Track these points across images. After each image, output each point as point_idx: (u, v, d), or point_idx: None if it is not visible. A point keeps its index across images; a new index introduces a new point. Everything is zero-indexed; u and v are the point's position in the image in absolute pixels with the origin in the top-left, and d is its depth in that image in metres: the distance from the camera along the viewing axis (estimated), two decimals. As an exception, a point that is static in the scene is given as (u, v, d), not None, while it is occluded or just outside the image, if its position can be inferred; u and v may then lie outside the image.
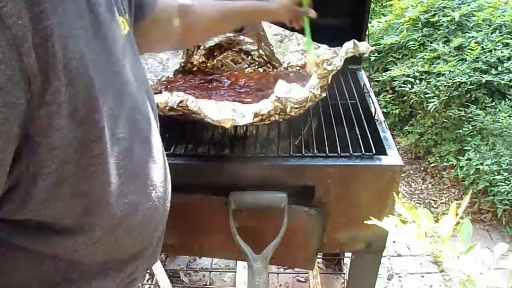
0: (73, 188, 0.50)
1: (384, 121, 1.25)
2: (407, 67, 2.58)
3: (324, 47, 1.41)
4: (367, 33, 1.45)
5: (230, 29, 1.32)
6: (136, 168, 0.58)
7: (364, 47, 1.18)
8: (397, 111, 2.69)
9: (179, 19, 0.94)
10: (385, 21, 2.92)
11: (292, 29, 1.49)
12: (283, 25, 1.33)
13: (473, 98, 2.39)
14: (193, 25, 0.97)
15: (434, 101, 2.37)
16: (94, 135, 0.49)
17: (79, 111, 0.47)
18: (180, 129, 1.25)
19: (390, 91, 2.77)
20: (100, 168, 0.51)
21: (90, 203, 0.52)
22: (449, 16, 2.56)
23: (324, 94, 1.19)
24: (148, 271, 1.89)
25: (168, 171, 0.69)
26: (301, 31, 1.49)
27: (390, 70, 2.67)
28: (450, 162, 2.37)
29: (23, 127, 0.42)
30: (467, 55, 2.38)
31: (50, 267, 0.55)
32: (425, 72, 2.52)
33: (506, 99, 2.33)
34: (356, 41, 1.17)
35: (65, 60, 0.44)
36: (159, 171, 0.64)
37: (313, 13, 1.24)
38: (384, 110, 2.71)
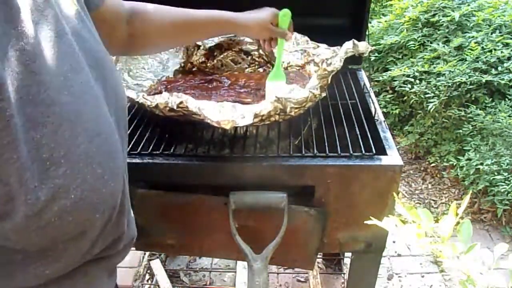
0: None
1: (384, 121, 1.25)
2: (407, 67, 2.58)
3: (323, 46, 1.41)
4: (367, 33, 1.45)
5: (197, 40, 1.24)
6: (65, 151, 0.53)
7: (364, 47, 1.18)
8: (397, 111, 2.69)
9: (129, 21, 0.88)
10: (385, 21, 2.92)
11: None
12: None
13: (473, 98, 2.39)
14: (144, 30, 0.91)
15: (434, 101, 2.37)
16: (0, 124, 0.46)
17: None
18: (180, 129, 1.25)
19: (390, 91, 2.77)
20: (14, 155, 0.48)
21: (10, 190, 0.49)
22: (449, 16, 2.56)
23: (324, 94, 1.19)
24: (149, 271, 1.90)
25: (116, 149, 0.62)
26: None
27: (390, 70, 2.67)
28: (450, 162, 2.37)
29: None
30: (467, 55, 2.38)
31: None
32: (425, 72, 2.52)
33: (506, 99, 2.33)
34: (356, 41, 1.17)
35: None
36: (97, 151, 0.57)
37: (290, 37, 1.18)
38: (384, 110, 2.71)
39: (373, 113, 1.28)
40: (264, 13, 1.10)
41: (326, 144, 1.14)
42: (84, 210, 0.56)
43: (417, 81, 2.51)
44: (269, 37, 1.16)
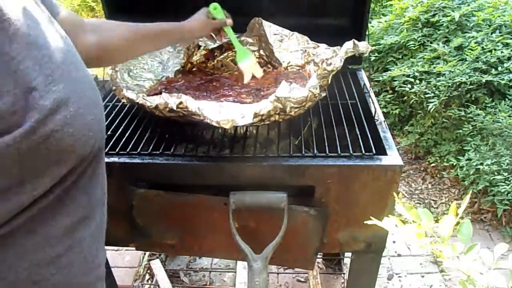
0: None
1: (384, 121, 1.25)
2: (407, 67, 2.58)
3: (323, 46, 1.41)
4: (367, 33, 1.45)
5: (153, 50, 1.35)
6: (62, 72, 0.61)
7: (364, 47, 1.18)
8: (397, 111, 2.69)
9: (89, 35, 0.92)
10: (385, 21, 2.92)
11: (291, 29, 1.49)
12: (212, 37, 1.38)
13: (473, 98, 2.39)
14: (105, 43, 0.96)
15: (434, 101, 2.37)
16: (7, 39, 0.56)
17: None
18: (180, 129, 1.26)
19: (390, 91, 2.77)
20: (21, 66, 0.56)
21: (19, 99, 0.56)
22: (449, 16, 2.56)
23: (324, 94, 1.19)
24: (149, 271, 1.89)
25: (98, 98, 0.70)
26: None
27: (390, 70, 2.67)
28: (450, 162, 2.37)
29: None
30: (467, 55, 2.38)
31: None
32: (425, 72, 2.52)
33: (506, 99, 2.33)
34: (356, 41, 1.17)
35: None
36: (86, 84, 0.66)
37: (229, 22, 1.29)
38: (384, 110, 2.71)
39: (373, 113, 1.28)
40: (199, 14, 1.24)
41: (326, 144, 1.14)
42: (81, 125, 0.63)
43: (417, 81, 2.51)
44: (214, 30, 1.28)
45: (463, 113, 2.36)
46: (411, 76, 2.54)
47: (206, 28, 1.25)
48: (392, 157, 1.10)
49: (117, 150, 1.16)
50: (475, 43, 2.38)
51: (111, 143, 1.19)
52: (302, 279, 1.92)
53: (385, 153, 1.11)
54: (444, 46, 2.51)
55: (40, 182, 0.61)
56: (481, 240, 2.12)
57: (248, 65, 1.37)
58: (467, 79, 2.31)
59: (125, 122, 1.31)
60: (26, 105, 0.56)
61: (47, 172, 0.61)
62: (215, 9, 1.26)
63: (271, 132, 1.28)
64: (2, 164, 0.56)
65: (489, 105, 2.33)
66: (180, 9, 1.40)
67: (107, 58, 1.03)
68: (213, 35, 1.33)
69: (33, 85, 0.57)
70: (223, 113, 1.00)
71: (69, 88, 0.61)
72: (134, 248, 1.29)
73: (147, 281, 1.86)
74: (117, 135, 1.23)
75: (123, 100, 1.24)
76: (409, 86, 2.51)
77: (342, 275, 1.89)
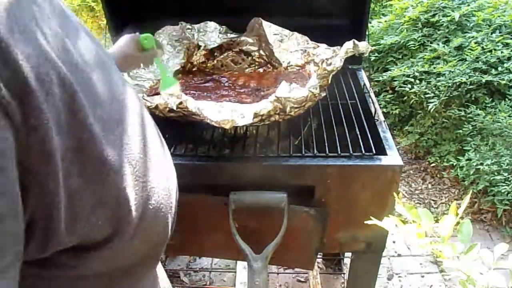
0: (89, 201, 0.49)
1: (384, 121, 1.25)
2: (407, 67, 2.58)
3: (323, 46, 1.41)
4: (367, 33, 1.45)
5: None
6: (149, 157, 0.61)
7: (364, 47, 1.18)
8: (397, 111, 2.69)
9: None
10: (385, 21, 2.92)
11: (291, 29, 1.49)
12: None
13: (473, 98, 2.39)
14: None
15: (434, 101, 2.37)
16: (86, 135, 0.47)
17: (62, 117, 0.44)
18: (180, 129, 1.25)
19: (390, 91, 2.76)
20: (109, 167, 0.51)
21: (113, 211, 0.53)
22: (449, 16, 2.56)
23: (323, 94, 1.19)
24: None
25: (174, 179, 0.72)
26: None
27: (390, 70, 2.67)
28: (450, 162, 2.37)
29: (21, 166, 0.40)
30: (467, 55, 2.38)
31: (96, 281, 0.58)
32: (425, 72, 2.52)
33: (506, 99, 2.33)
34: (356, 41, 1.17)
35: (34, 70, 0.41)
36: (163, 169, 0.67)
37: (160, 53, 1.21)
38: (384, 110, 2.71)
39: (373, 113, 1.28)
40: (126, 46, 1.11)
41: (326, 144, 1.14)
42: (165, 208, 0.64)
43: (417, 81, 2.51)
44: (144, 63, 1.19)
45: (463, 113, 2.35)
46: (411, 76, 2.54)
47: (135, 65, 1.18)
48: (392, 157, 1.10)
49: (117, 150, 1.16)
50: (475, 43, 2.38)
51: (111, 143, 1.19)
52: (302, 279, 1.92)
53: (385, 153, 1.11)
54: (444, 46, 2.51)
55: None
56: (481, 240, 2.11)
57: (172, 91, 1.25)
58: (467, 79, 2.31)
59: (125, 122, 1.30)
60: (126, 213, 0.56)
61: None
62: (146, 39, 1.15)
63: (271, 132, 1.28)
64: None
65: (489, 105, 2.33)
66: (180, 9, 1.40)
67: None
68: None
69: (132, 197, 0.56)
70: (223, 113, 1.00)
71: (154, 178, 0.62)
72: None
73: (147, 281, 1.86)
74: (117, 135, 1.23)
75: (123, 100, 1.24)
76: (409, 86, 2.51)
77: (342, 275, 1.88)
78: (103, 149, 0.50)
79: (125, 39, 1.13)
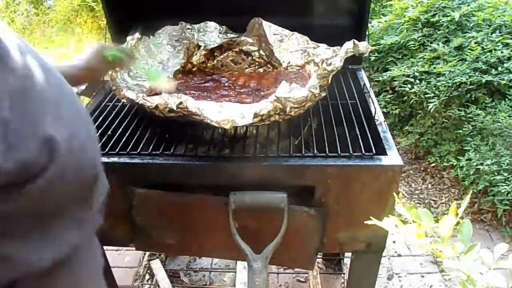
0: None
1: (384, 121, 1.25)
2: (407, 67, 2.58)
3: (323, 46, 1.41)
4: (367, 33, 1.45)
5: None
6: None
7: (364, 47, 1.18)
8: (397, 111, 2.69)
9: None
10: (385, 21, 2.92)
11: (291, 29, 1.49)
12: None
13: (473, 98, 2.39)
14: None
15: (434, 101, 2.37)
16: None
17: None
18: (180, 129, 1.25)
19: (390, 91, 2.76)
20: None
21: (50, 139, 0.65)
22: (449, 16, 2.56)
23: (323, 94, 1.19)
24: (149, 271, 1.89)
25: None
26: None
27: (390, 70, 2.67)
28: (450, 162, 2.37)
29: None
30: (467, 55, 2.38)
31: None
32: (425, 72, 2.51)
33: (506, 99, 2.33)
34: (356, 41, 1.17)
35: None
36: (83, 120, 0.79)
37: (133, 56, 1.20)
38: (384, 110, 2.71)
39: (373, 113, 1.28)
40: (94, 61, 1.08)
41: (326, 144, 1.14)
42: (91, 150, 0.77)
43: (417, 81, 2.50)
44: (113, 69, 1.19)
45: (463, 113, 2.35)
46: (411, 76, 2.54)
47: (100, 77, 1.20)
48: (392, 157, 1.10)
49: (117, 150, 1.16)
50: (475, 43, 2.38)
51: (111, 143, 1.19)
52: (302, 279, 1.92)
53: (385, 153, 1.11)
54: (444, 46, 2.50)
55: None
56: (481, 240, 2.11)
57: (161, 84, 1.27)
58: (467, 79, 2.31)
59: (125, 122, 1.30)
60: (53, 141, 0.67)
61: None
62: (111, 53, 1.11)
63: (271, 132, 1.28)
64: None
65: (489, 105, 2.33)
66: (180, 9, 1.40)
67: None
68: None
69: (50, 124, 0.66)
70: (223, 113, 1.00)
71: (76, 121, 0.74)
72: (134, 248, 1.29)
73: (147, 281, 1.86)
74: (117, 135, 1.23)
75: (123, 100, 1.24)
76: (409, 86, 2.51)
77: (342, 275, 1.88)
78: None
79: (90, 52, 1.08)
